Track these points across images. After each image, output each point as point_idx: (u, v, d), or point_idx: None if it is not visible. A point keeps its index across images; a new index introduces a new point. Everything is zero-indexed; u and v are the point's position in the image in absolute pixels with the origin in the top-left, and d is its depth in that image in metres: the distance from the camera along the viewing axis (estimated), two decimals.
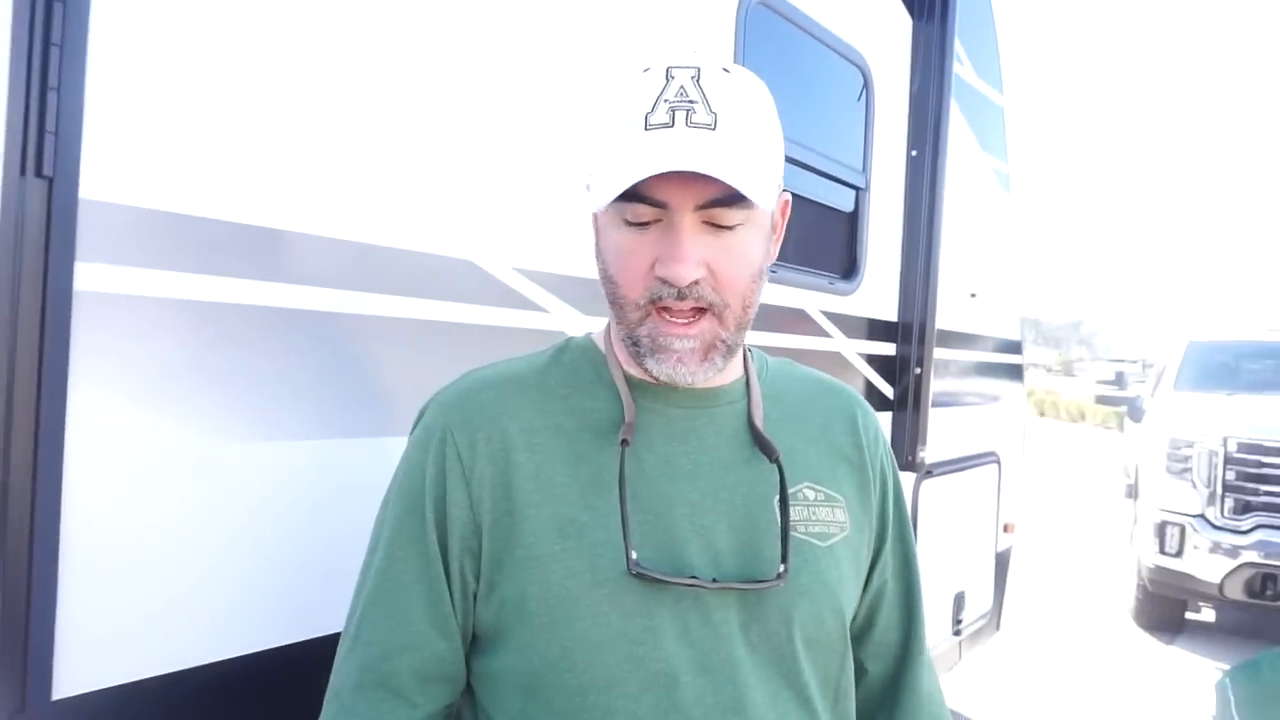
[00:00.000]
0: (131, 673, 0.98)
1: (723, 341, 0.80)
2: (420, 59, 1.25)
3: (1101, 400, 7.24)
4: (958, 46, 2.67)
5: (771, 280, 2.00)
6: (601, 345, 0.89)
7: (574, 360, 0.89)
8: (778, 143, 0.83)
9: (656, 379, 0.82)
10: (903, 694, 0.95)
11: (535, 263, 1.42)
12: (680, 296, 0.77)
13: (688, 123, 0.74)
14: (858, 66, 2.29)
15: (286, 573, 1.12)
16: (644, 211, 0.76)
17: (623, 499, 0.78)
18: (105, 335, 0.94)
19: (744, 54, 1.84)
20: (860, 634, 0.94)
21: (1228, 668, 2.09)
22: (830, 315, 2.24)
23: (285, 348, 1.11)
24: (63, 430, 0.90)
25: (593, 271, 1.50)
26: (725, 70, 0.78)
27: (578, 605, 0.78)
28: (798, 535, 0.84)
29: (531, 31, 1.41)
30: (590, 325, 1.51)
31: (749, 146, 0.76)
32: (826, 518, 0.87)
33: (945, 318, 2.73)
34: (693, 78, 0.76)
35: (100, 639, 0.96)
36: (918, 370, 2.52)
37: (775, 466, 0.85)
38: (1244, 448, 4.80)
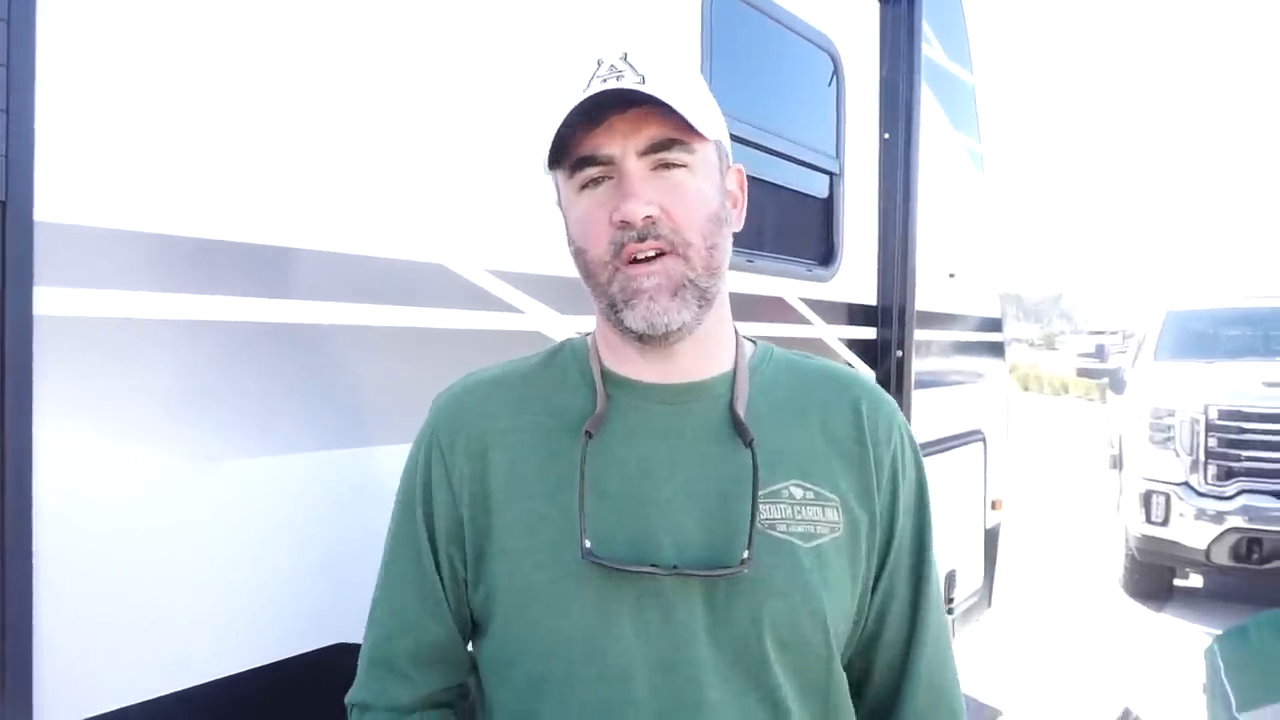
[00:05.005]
0: (116, 699, 0.97)
1: (691, 281, 0.81)
2: (383, 59, 1.23)
3: (1082, 373, 7.29)
4: (926, 28, 2.67)
5: (749, 269, 2.01)
6: (591, 344, 0.91)
7: (564, 360, 0.91)
8: (710, 102, 0.86)
9: (639, 336, 0.82)
10: (898, 710, 0.91)
11: (509, 264, 1.40)
12: (640, 238, 0.79)
13: (617, 83, 0.79)
14: (827, 52, 2.29)
15: (268, 589, 1.11)
16: (594, 170, 0.81)
17: (581, 490, 0.80)
18: (70, 359, 0.92)
19: (710, 44, 1.83)
20: (870, 638, 0.91)
21: (1217, 633, 2.11)
22: (809, 302, 2.23)
23: (255, 362, 1.09)
24: (30, 458, 0.88)
25: (568, 270, 1.51)
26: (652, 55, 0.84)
27: (540, 598, 0.81)
28: (777, 534, 0.83)
29: (496, 26, 1.39)
30: (568, 325, 1.50)
31: (678, 91, 0.80)
32: (814, 517, 0.84)
33: (925, 299, 2.74)
34: (621, 56, 0.81)
35: (82, 667, 0.94)
36: (899, 353, 2.53)
37: (768, 456, 0.83)
38: (1225, 414, 4.85)
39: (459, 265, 1.33)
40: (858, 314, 2.48)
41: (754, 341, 0.94)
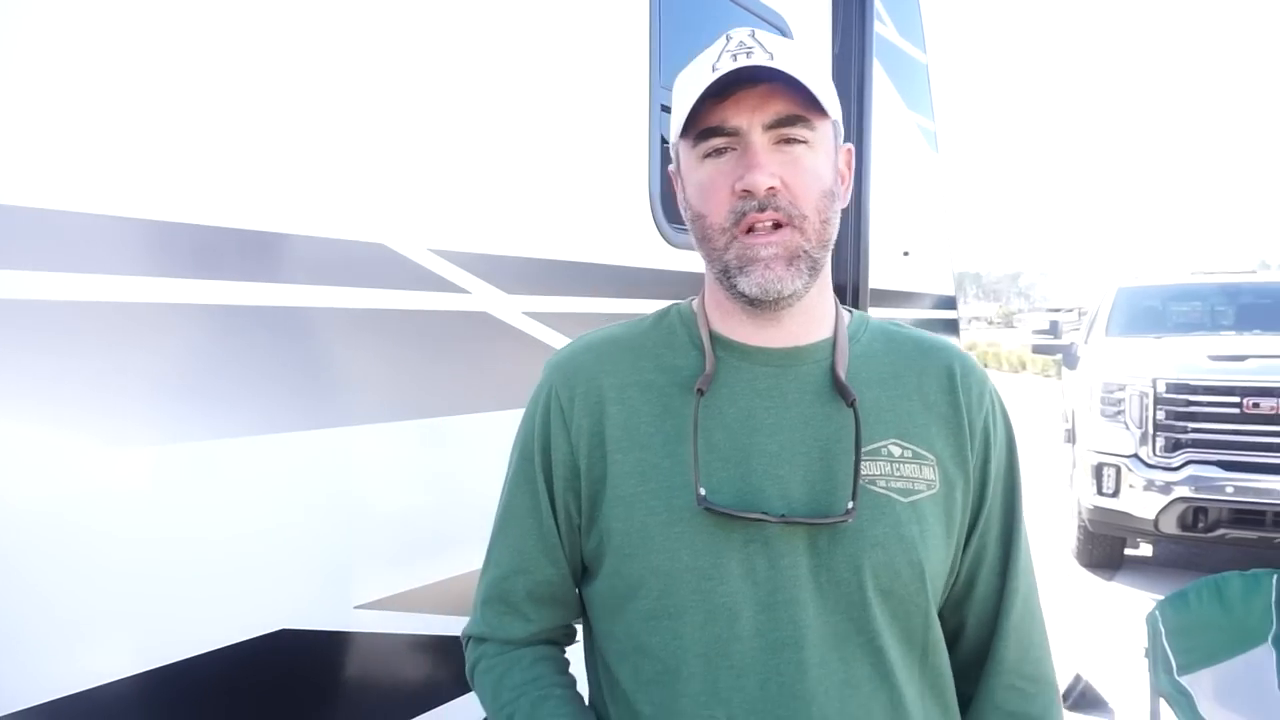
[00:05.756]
0: (43, 693, 0.94)
1: (805, 253, 0.86)
2: (315, 30, 1.20)
3: (1038, 349, 7.40)
4: (878, 5, 2.67)
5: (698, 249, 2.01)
6: (697, 308, 0.97)
7: (671, 323, 0.97)
8: (830, 81, 0.90)
9: (750, 300, 0.87)
10: (988, 663, 0.95)
11: (453, 243, 1.38)
12: (761, 208, 0.84)
13: (747, 59, 0.83)
14: (778, 29, 2.28)
15: (205, 573, 1.09)
16: (719, 141, 0.85)
17: (695, 443, 0.87)
18: None
19: (659, 19, 1.81)
20: (962, 595, 0.96)
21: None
22: None
23: (187, 345, 1.06)
24: None
25: (516, 249, 1.49)
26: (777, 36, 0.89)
27: (653, 540, 0.87)
28: (877, 489, 0.88)
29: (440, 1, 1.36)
30: (516, 304, 1.49)
31: (805, 72, 0.84)
32: (912, 474, 0.90)
33: (879, 277, 2.75)
34: (749, 34, 0.86)
35: (5, 661, 0.91)
36: None
37: (868, 415, 0.89)
38: (1172, 388, 4.96)
39: (400, 244, 1.30)
40: None
41: (850, 310, 0.99)
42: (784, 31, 2.30)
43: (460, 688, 1.47)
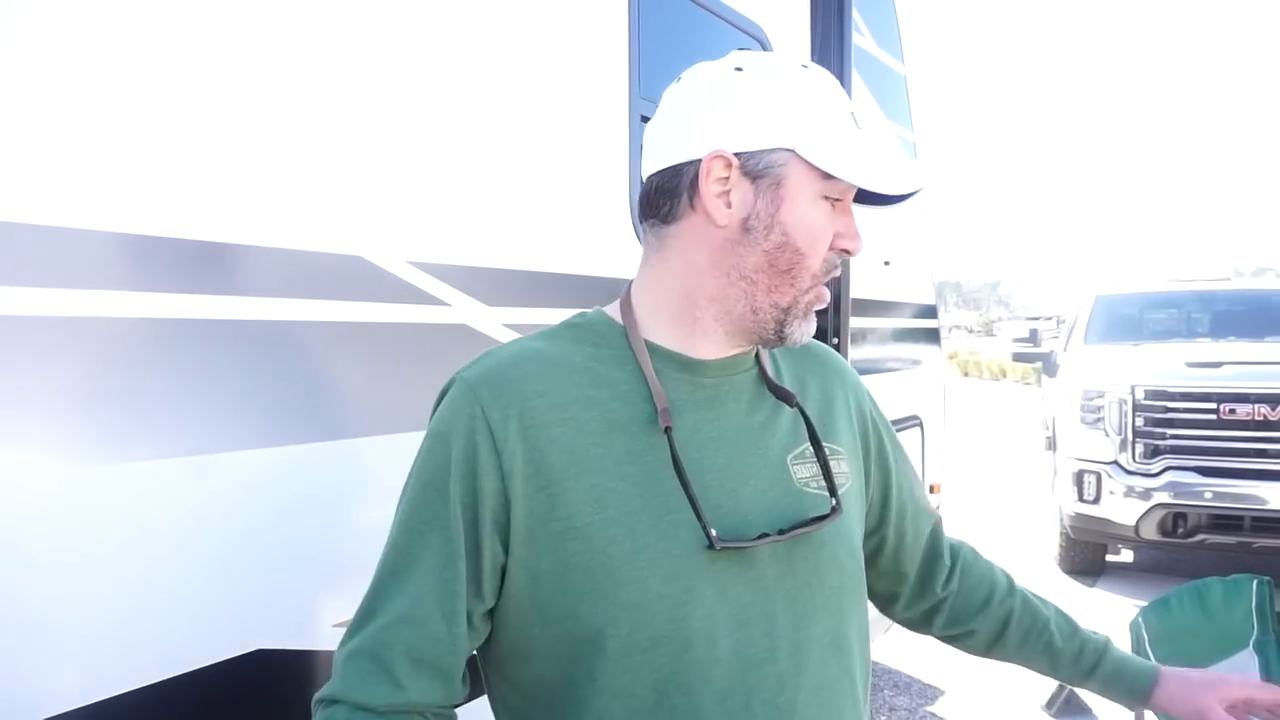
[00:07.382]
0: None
1: None
2: (289, 37, 1.19)
3: (1017, 357, 7.44)
4: (856, 16, 2.69)
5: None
6: (617, 318, 0.91)
7: (592, 334, 0.90)
8: None
9: (782, 342, 0.89)
10: (954, 562, 1.11)
11: (432, 255, 1.37)
12: (840, 269, 0.90)
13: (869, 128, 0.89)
14: (756, 39, 2.29)
15: (176, 592, 1.06)
16: (841, 190, 0.86)
17: (685, 484, 0.82)
18: None
19: (638, 29, 1.81)
20: (895, 551, 1.07)
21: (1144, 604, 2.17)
22: None
23: (160, 360, 1.04)
24: None
25: (496, 260, 1.48)
26: None
27: (620, 571, 0.81)
28: (810, 491, 0.90)
29: (417, 10, 1.35)
30: (496, 317, 1.47)
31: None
32: (834, 470, 0.93)
33: (860, 287, 2.76)
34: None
35: None
36: (835, 340, 2.55)
37: (794, 420, 0.92)
38: (1150, 394, 5.01)
39: (378, 257, 1.29)
40: None
41: None
42: (763, 44, 2.30)
43: None
